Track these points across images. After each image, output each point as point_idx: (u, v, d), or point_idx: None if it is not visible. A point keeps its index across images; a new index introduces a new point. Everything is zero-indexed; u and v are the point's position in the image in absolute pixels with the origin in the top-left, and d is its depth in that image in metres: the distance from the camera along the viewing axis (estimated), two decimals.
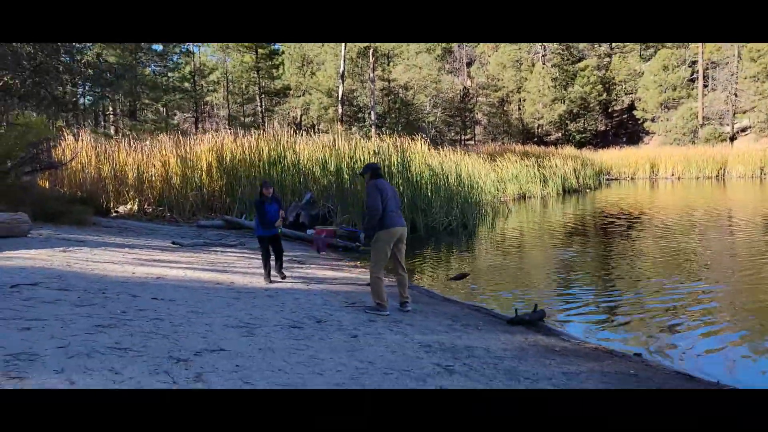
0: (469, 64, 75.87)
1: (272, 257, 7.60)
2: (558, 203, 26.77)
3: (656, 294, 7.78)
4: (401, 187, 16.82)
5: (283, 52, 53.38)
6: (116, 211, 17.30)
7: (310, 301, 6.33)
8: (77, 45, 9.60)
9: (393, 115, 50.56)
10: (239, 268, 8.31)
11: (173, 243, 10.08)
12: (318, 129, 53.03)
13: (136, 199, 17.76)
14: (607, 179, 43.97)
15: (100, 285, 5.78)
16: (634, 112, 63.34)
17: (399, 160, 17.95)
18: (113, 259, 7.64)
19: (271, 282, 7.31)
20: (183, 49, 40.08)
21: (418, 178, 17.73)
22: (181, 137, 20.79)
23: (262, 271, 7.47)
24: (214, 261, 8.67)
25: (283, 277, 7.63)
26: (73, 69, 9.96)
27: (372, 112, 45.30)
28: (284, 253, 11.23)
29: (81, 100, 32.73)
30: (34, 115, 17.24)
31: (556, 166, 32.35)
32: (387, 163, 17.42)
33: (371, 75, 45.55)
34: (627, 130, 66.76)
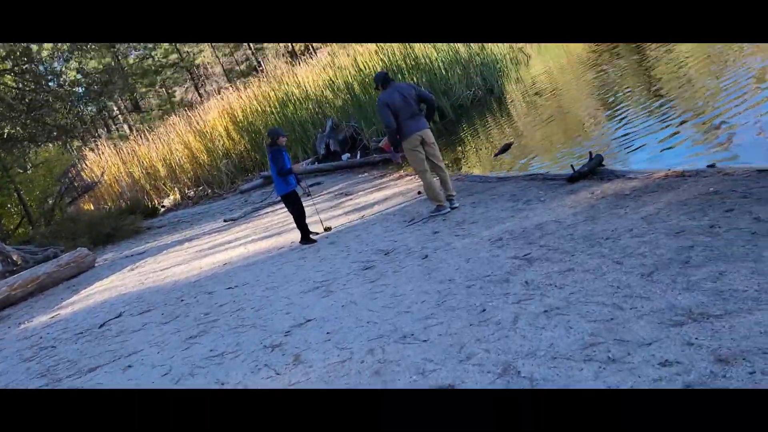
0: None
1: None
2: None
3: (712, 96, 7.28)
4: (414, 78, 16.22)
5: None
6: (163, 206, 17.71)
7: (370, 233, 6.32)
8: (56, 68, 9.41)
9: None
10: (292, 225, 8.36)
11: (225, 221, 10.24)
12: (313, 48, 51.33)
13: (175, 188, 18.08)
14: None
15: (177, 293, 5.95)
16: None
17: (401, 52, 17.21)
18: (178, 259, 7.84)
19: (314, 241, 6.74)
20: None
21: (427, 62, 17.00)
22: (188, 112, 20.68)
23: (299, 235, 6.85)
24: (268, 225, 8.76)
25: (315, 233, 6.97)
26: (61, 94, 9.83)
27: None
28: (329, 190, 11.27)
29: (85, 115, 32.92)
30: (51, 147, 17.42)
31: None
32: (392, 60, 16.74)
33: None
34: None
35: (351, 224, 7.21)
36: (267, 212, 10.26)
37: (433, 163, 6.17)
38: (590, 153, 6.17)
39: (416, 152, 6.04)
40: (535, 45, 24.33)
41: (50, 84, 9.69)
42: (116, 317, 5.55)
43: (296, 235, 7.45)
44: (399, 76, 16.19)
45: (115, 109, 35.38)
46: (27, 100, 9.82)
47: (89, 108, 15.87)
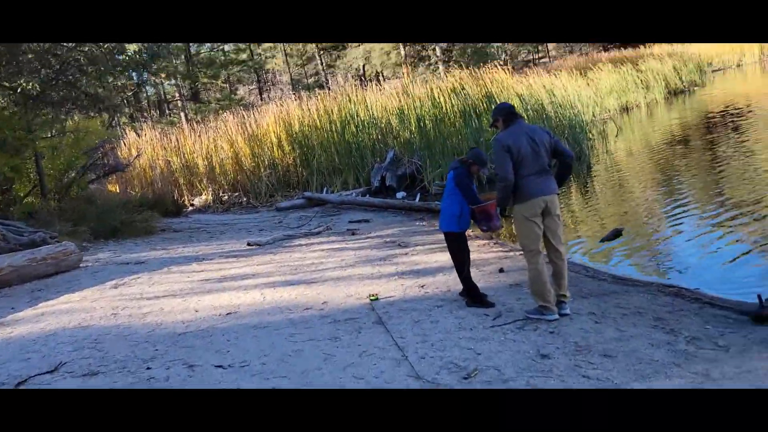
0: None
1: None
2: (666, 109, 23.31)
3: None
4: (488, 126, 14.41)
5: None
6: (192, 204, 16.19)
7: (436, 322, 4.41)
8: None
9: (458, 47, 47.06)
10: (330, 269, 6.53)
11: (249, 244, 8.47)
12: (383, 76, 50.63)
13: (210, 189, 16.55)
14: (710, 71, 38.49)
15: (147, 350, 4.12)
16: None
17: (482, 95, 15.46)
18: (175, 287, 6.05)
19: (492, 305, 4.76)
20: None
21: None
22: (244, 112, 19.34)
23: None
24: (299, 264, 6.94)
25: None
26: (97, 57, 8.31)
27: (437, 47, 42.11)
28: (379, 233, 9.43)
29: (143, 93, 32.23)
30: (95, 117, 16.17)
31: (654, 68, 28.18)
32: (469, 102, 14.99)
33: None
34: None
35: (406, 295, 5.32)
36: (300, 244, 8.47)
37: (550, 243, 4.27)
38: (759, 297, 4.07)
39: (532, 224, 4.15)
40: (620, 117, 22.36)
41: (90, 47, 8.13)
42: (49, 372, 3.74)
43: (330, 290, 5.60)
44: (474, 122, 14.46)
45: (176, 94, 34.75)
46: (60, 57, 8.36)
47: (138, 79, 14.49)
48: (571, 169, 4.34)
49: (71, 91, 8.78)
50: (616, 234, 6.91)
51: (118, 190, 16.41)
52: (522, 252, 4.47)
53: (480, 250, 7.20)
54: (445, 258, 6.66)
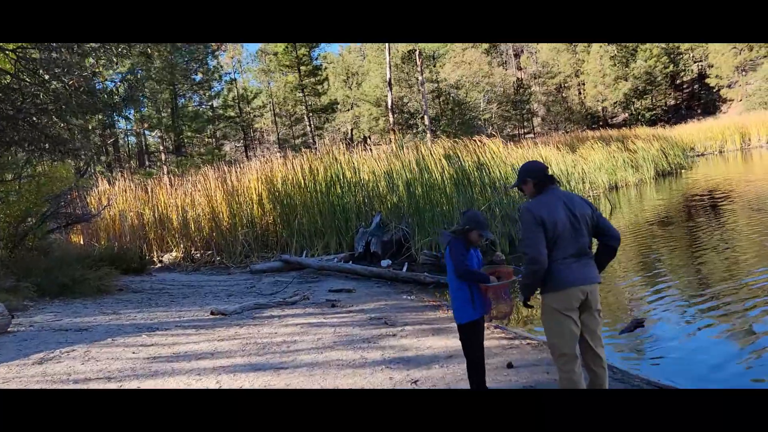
0: (517, 56, 72.74)
1: None
2: (654, 190, 23.11)
3: None
4: (487, 194, 13.78)
5: (326, 68, 51.42)
6: (160, 261, 15.06)
7: None
8: (64, 60, 7.14)
9: (446, 117, 47.70)
10: (304, 351, 5.51)
11: (213, 313, 7.40)
12: (370, 141, 50.80)
13: (181, 246, 15.47)
14: (694, 156, 39.25)
15: None
16: (707, 81, 58.57)
17: (474, 163, 14.89)
18: (113, 366, 4.97)
19: None
20: (225, 78, 38.69)
21: (504, 184, 14.58)
22: (226, 167, 18.54)
23: (473, 381, 3.97)
24: (268, 342, 5.90)
25: None
26: (62, 95, 7.46)
27: (425, 116, 42.43)
28: (363, 306, 8.46)
29: (123, 140, 31.54)
30: (70, 163, 15.20)
31: (643, 149, 28.37)
32: (462, 169, 14.37)
33: (420, 78, 42.72)
34: (700, 101, 61.90)
35: (395, 390, 4.32)
36: (272, 315, 7.43)
37: (588, 346, 3.33)
38: None
39: (567, 320, 3.21)
40: (610, 195, 21.98)
41: (53, 80, 7.29)
42: None
43: (301, 379, 4.58)
44: (468, 190, 13.82)
45: (161, 146, 34.10)
46: (22, 92, 7.52)
47: (107, 122, 13.65)
48: (615, 254, 3.42)
49: (31, 131, 7.87)
50: (637, 324, 6.03)
51: (82, 242, 15.28)
52: (549, 350, 3.50)
53: (488, 332, 6.24)
54: (439, 344, 5.71)
